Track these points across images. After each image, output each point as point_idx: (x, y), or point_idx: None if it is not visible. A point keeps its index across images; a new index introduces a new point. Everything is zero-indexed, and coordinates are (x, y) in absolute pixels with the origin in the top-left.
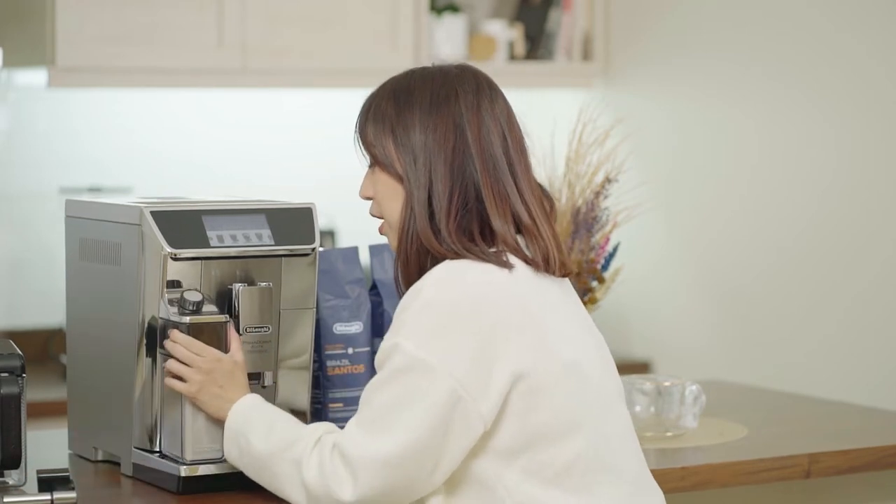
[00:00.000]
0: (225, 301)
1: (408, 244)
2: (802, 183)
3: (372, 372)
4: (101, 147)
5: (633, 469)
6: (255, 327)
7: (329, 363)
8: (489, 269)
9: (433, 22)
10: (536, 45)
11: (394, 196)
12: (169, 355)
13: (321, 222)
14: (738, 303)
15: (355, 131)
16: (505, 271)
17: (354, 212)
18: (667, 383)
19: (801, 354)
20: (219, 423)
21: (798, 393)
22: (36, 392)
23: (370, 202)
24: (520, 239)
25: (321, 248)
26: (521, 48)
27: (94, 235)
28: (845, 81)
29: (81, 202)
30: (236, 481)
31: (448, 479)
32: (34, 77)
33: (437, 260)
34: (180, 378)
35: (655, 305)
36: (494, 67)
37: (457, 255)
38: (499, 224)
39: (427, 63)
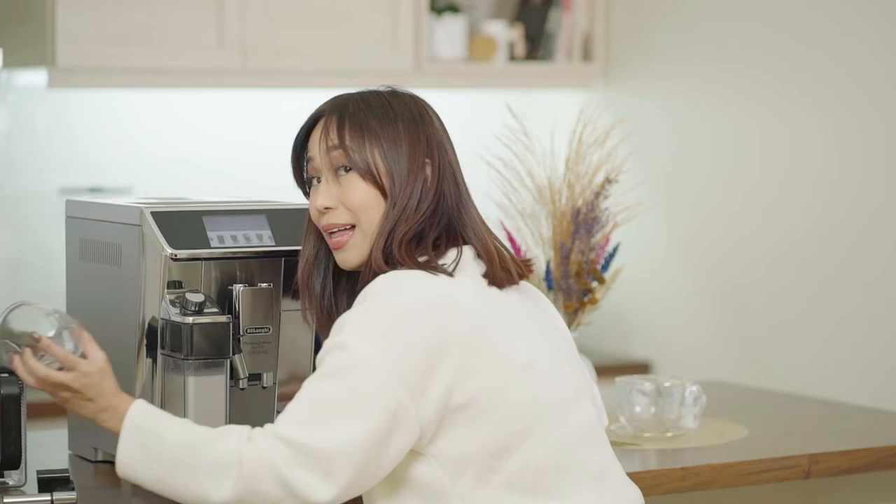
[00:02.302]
0: (225, 302)
1: (377, 254)
2: (803, 183)
3: None
4: (101, 147)
5: (595, 468)
6: (256, 328)
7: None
8: (431, 277)
9: (433, 22)
10: (536, 45)
11: (375, 206)
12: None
13: None
14: (739, 303)
15: (320, 134)
16: (447, 279)
17: None
18: (667, 384)
19: (801, 355)
20: (218, 422)
21: (798, 393)
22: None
23: (325, 214)
24: (469, 250)
25: None
26: (521, 48)
27: (95, 236)
28: (846, 81)
29: (82, 203)
30: None
31: (396, 486)
32: (34, 77)
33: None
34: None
35: (655, 306)
36: (494, 68)
37: (397, 267)
38: (459, 233)
39: (430, 63)
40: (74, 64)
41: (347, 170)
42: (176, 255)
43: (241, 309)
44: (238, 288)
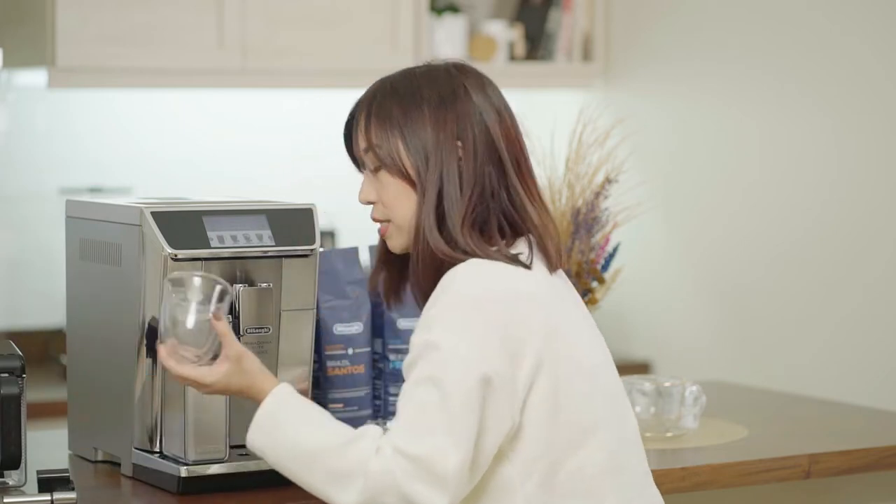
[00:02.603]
0: None
1: (422, 247)
2: (803, 183)
3: (372, 372)
4: (101, 147)
5: (640, 472)
6: (256, 328)
7: (329, 364)
8: (511, 268)
9: (433, 22)
10: (536, 45)
11: (405, 198)
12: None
13: (321, 223)
14: (739, 303)
15: (355, 131)
16: (525, 272)
17: (354, 212)
18: (667, 384)
19: (802, 355)
20: (219, 423)
21: (798, 393)
22: (36, 392)
23: (371, 206)
24: (531, 238)
25: (321, 249)
26: (521, 48)
27: (95, 236)
28: (846, 81)
29: (82, 203)
30: (236, 482)
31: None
32: (34, 77)
33: (451, 262)
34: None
35: (655, 306)
36: (494, 68)
37: (469, 256)
38: (517, 219)
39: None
40: (74, 64)
41: (379, 168)
42: (176, 255)
43: (242, 309)
44: (238, 288)
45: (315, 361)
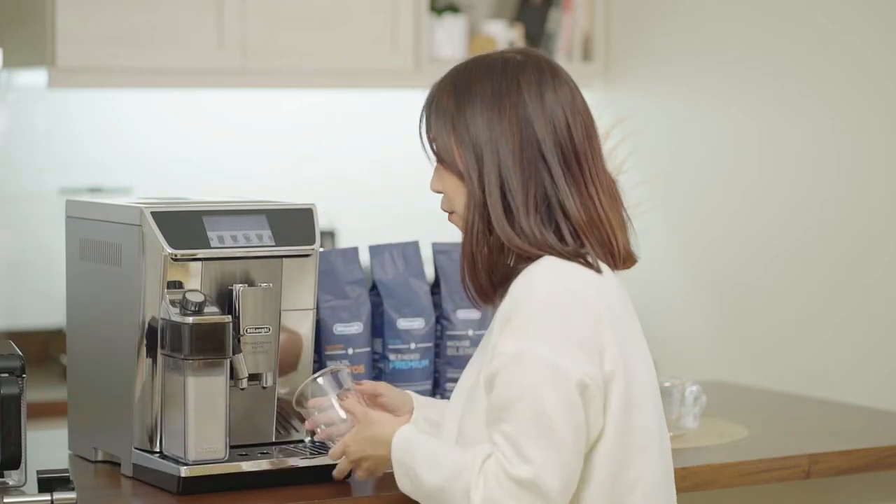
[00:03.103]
0: (225, 301)
1: (474, 244)
2: (803, 182)
3: (372, 372)
4: (101, 147)
5: (672, 486)
6: (256, 328)
7: (329, 364)
8: (584, 269)
9: (433, 22)
10: (536, 45)
11: (459, 192)
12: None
13: (321, 223)
14: (739, 303)
15: (419, 126)
16: (597, 274)
17: (354, 212)
18: (667, 384)
19: (802, 355)
20: (219, 423)
21: (798, 393)
22: (36, 392)
23: (440, 196)
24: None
25: (321, 249)
26: None
27: (95, 236)
28: (846, 81)
29: (82, 203)
30: (236, 481)
31: None
32: (34, 77)
33: (515, 258)
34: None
35: (655, 306)
36: None
37: (541, 252)
38: (576, 216)
39: (429, 64)
40: (74, 64)
41: (439, 160)
42: (176, 255)
43: (242, 308)
44: (238, 287)
45: (315, 361)
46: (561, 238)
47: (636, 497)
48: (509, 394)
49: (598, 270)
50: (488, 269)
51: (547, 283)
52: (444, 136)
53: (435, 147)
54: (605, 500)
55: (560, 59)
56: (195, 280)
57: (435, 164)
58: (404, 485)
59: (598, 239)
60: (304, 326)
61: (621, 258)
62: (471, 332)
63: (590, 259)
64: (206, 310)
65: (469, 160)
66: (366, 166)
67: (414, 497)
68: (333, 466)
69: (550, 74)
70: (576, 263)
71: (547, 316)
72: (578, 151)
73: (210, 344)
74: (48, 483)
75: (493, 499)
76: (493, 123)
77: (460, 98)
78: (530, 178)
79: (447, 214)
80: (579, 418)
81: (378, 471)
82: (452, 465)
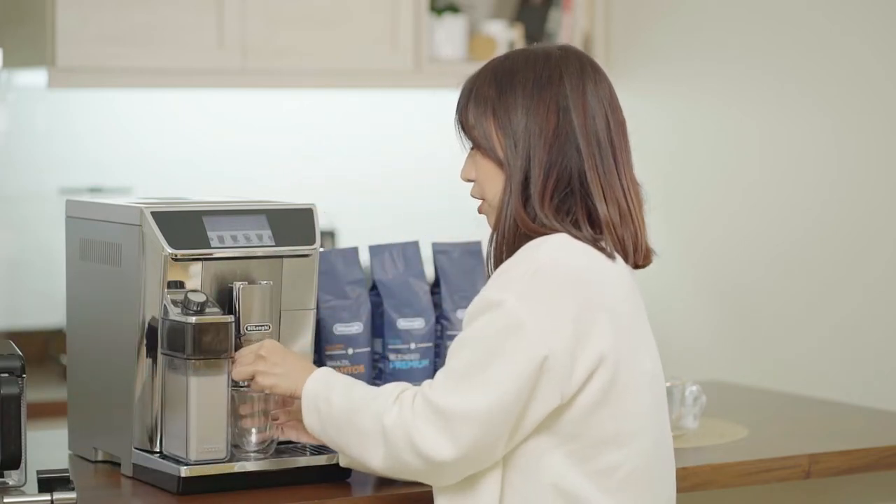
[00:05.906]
0: (225, 301)
1: (504, 226)
2: (803, 182)
3: (372, 372)
4: (101, 147)
5: (670, 483)
6: (256, 325)
7: (329, 364)
8: (596, 252)
9: (433, 22)
10: None
11: (495, 179)
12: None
13: (321, 223)
14: (739, 303)
15: (456, 114)
16: (609, 260)
17: (354, 212)
18: (667, 384)
19: (802, 355)
20: (219, 423)
21: (799, 393)
22: (36, 392)
23: (471, 184)
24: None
25: (321, 249)
26: None
27: (95, 236)
28: (846, 81)
29: (82, 203)
30: (236, 481)
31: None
32: (34, 77)
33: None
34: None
35: (655, 306)
36: None
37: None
38: (602, 208)
39: (430, 63)
40: (74, 64)
41: (475, 147)
42: (176, 255)
43: (242, 306)
44: (238, 285)
45: (315, 361)
46: (577, 226)
47: (612, 482)
48: (470, 334)
49: (611, 257)
50: (512, 248)
51: (551, 252)
52: (484, 122)
53: (475, 135)
54: (574, 466)
55: None
56: (195, 280)
57: (469, 151)
58: (312, 421)
59: (621, 232)
60: (304, 326)
61: (641, 254)
62: None
63: (604, 245)
64: (208, 310)
65: (508, 146)
66: (366, 166)
67: (320, 433)
68: (334, 467)
69: (591, 69)
70: (588, 246)
71: (538, 282)
72: (614, 145)
73: (212, 344)
74: (48, 483)
75: (404, 421)
76: (531, 111)
77: (502, 86)
78: (554, 165)
79: (477, 205)
80: (529, 389)
81: (276, 387)
82: (367, 393)
